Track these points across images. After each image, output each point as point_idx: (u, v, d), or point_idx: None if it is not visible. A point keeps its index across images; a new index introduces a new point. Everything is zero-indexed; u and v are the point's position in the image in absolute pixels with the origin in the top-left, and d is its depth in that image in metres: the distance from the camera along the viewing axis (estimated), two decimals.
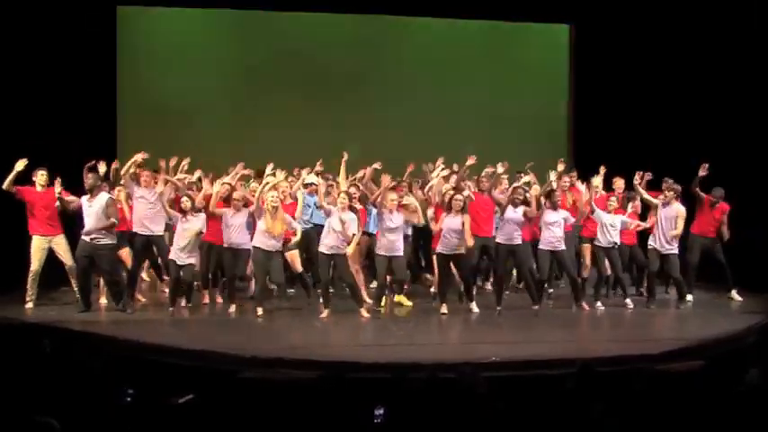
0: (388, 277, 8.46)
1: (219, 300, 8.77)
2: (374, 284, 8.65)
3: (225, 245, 8.23)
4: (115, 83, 11.84)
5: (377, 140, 11.63)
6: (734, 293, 9.15)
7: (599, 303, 8.70)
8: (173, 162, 8.81)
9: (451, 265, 8.26)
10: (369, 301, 8.49)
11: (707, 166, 8.76)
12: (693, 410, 3.70)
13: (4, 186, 8.06)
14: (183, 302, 8.30)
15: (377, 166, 9.19)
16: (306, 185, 8.91)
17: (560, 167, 9.43)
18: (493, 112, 12.76)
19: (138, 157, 8.36)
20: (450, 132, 12.23)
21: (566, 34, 13.34)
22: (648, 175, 9.10)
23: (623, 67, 11.77)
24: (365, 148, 10.20)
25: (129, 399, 3.92)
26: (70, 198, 8.19)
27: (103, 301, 8.50)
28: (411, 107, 12.59)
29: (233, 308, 8.28)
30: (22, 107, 9.73)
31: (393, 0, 12.20)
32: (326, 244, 8.02)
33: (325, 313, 8.07)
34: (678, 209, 8.67)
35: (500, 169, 8.91)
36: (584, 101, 12.78)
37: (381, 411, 3.74)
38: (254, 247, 8.09)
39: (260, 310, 8.07)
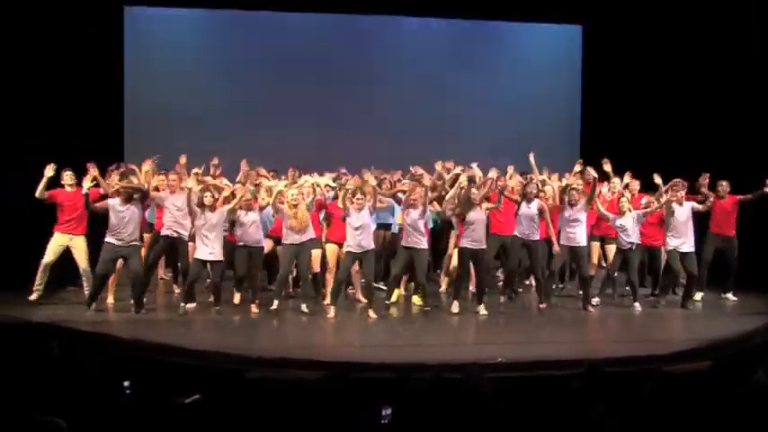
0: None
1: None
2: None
3: (239, 243, 8.24)
4: (122, 83, 11.84)
5: (385, 140, 11.60)
6: (729, 295, 9.22)
7: (596, 300, 8.68)
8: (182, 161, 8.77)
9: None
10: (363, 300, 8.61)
11: (708, 175, 9.10)
12: (700, 411, 3.68)
13: (37, 195, 8.04)
14: (212, 300, 8.33)
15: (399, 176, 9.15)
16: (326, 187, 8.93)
17: (577, 167, 9.47)
18: (504, 112, 12.72)
19: (150, 165, 8.34)
20: (458, 132, 12.21)
21: (578, 35, 13.27)
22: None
23: (634, 67, 11.73)
24: (373, 148, 10.18)
25: (127, 391, 3.94)
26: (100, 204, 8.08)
27: (111, 300, 8.51)
28: (419, 107, 12.54)
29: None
30: (28, 107, 9.74)
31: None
32: (357, 243, 7.99)
33: (331, 313, 8.09)
34: (690, 204, 8.86)
35: (492, 174, 8.88)
36: (596, 102, 12.72)
37: (389, 411, 3.73)
38: (284, 244, 8.17)
39: (276, 303, 8.10)
